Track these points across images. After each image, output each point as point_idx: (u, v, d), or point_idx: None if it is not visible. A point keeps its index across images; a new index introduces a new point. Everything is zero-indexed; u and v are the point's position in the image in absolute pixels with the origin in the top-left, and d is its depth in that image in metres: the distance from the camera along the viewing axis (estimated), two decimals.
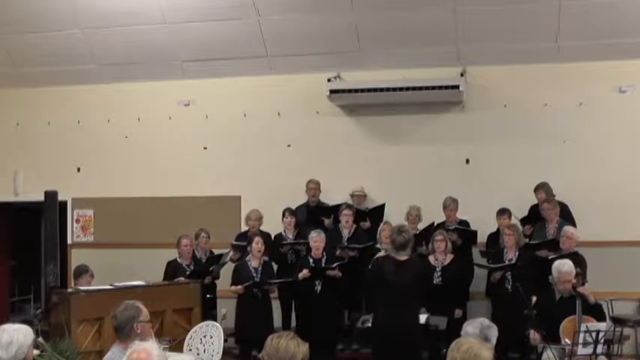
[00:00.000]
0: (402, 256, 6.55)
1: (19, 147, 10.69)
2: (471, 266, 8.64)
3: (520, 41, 9.13)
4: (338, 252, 8.69)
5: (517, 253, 8.05)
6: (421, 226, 8.92)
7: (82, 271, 8.00)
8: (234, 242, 9.10)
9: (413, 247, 6.90)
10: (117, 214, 10.34)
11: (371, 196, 9.57)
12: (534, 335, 6.39)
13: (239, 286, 8.28)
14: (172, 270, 8.70)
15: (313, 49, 9.56)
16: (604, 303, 8.00)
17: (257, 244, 8.38)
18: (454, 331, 5.80)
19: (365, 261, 8.10)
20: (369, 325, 6.95)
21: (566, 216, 8.57)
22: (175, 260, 8.80)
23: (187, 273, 8.66)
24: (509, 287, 7.90)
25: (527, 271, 7.87)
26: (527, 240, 8.44)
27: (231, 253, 9.08)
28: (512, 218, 8.60)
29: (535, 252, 8.19)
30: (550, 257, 7.68)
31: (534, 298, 7.14)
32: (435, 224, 8.85)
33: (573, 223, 8.42)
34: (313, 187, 9.47)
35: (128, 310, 4.51)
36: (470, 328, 4.34)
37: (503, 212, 8.66)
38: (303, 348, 3.54)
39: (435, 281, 8.20)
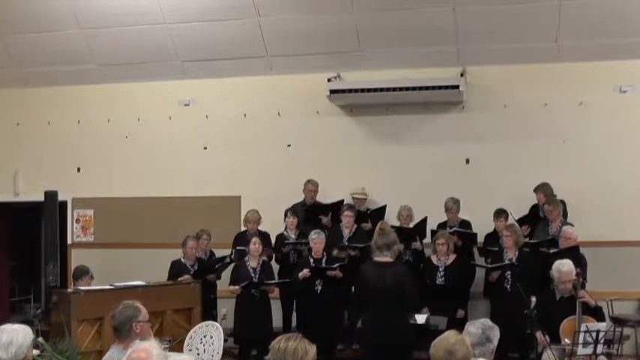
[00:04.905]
0: (384, 258, 6.46)
1: (19, 147, 10.69)
2: (471, 266, 8.64)
3: (520, 41, 9.13)
4: (335, 252, 8.67)
5: (517, 253, 8.04)
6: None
7: (82, 273, 7.98)
8: (237, 248, 9.04)
9: (398, 251, 6.71)
10: (117, 214, 10.34)
11: (371, 196, 9.55)
12: (542, 337, 6.37)
13: (236, 286, 8.31)
14: (177, 269, 8.71)
15: (313, 49, 9.56)
16: (604, 303, 8.02)
17: (254, 245, 8.40)
18: None
19: (365, 261, 8.07)
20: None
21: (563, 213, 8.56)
22: (179, 260, 8.81)
23: (191, 273, 8.67)
24: (509, 287, 7.88)
25: (527, 269, 7.86)
26: (526, 240, 8.42)
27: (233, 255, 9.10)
28: (509, 219, 8.58)
29: (535, 250, 8.18)
30: (552, 251, 7.68)
31: (534, 298, 7.13)
32: (436, 224, 8.85)
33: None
34: (313, 188, 9.43)
35: (127, 310, 4.52)
36: (472, 328, 4.33)
37: (500, 214, 8.63)
38: (312, 349, 3.43)
39: (437, 281, 8.24)
